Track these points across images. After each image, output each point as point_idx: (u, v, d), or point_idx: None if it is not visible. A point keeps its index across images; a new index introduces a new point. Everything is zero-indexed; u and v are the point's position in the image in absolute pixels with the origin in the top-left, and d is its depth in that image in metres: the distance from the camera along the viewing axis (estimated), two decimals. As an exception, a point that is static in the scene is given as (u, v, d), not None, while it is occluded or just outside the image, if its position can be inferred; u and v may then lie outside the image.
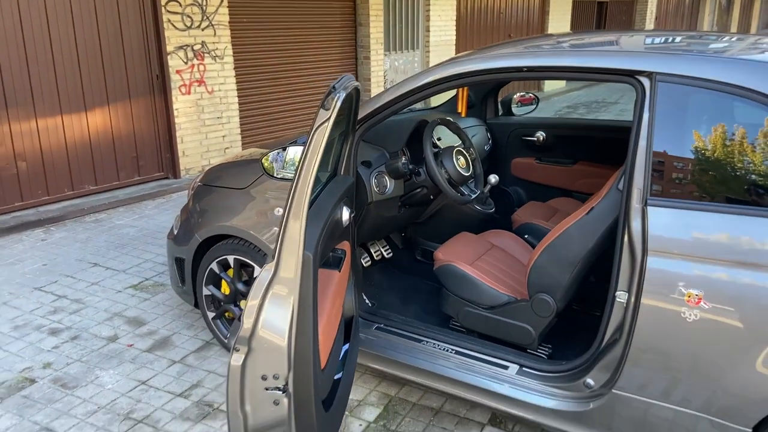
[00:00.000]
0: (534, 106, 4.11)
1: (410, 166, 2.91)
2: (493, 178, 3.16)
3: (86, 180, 5.90)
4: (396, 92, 2.54)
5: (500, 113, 3.98)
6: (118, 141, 6.10)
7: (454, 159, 2.89)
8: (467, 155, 3.01)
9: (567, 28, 14.43)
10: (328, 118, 1.65)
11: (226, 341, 3.27)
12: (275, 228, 2.90)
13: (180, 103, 6.46)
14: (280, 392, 1.68)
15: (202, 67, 6.59)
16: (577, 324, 2.89)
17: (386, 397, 2.96)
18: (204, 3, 6.49)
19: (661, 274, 2.02)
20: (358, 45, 8.86)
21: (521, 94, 4.16)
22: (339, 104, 1.66)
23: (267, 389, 1.68)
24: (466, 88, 3.57)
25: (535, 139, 3.75)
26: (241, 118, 7.23)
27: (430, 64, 10.00)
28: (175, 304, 3.85)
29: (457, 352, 2.64)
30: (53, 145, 5.60)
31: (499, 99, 4.00)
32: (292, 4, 7.69)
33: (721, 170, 1.97)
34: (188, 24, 6.38)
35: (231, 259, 3.10)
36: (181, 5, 6.28)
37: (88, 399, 2.94)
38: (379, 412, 2.86)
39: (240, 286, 3.13)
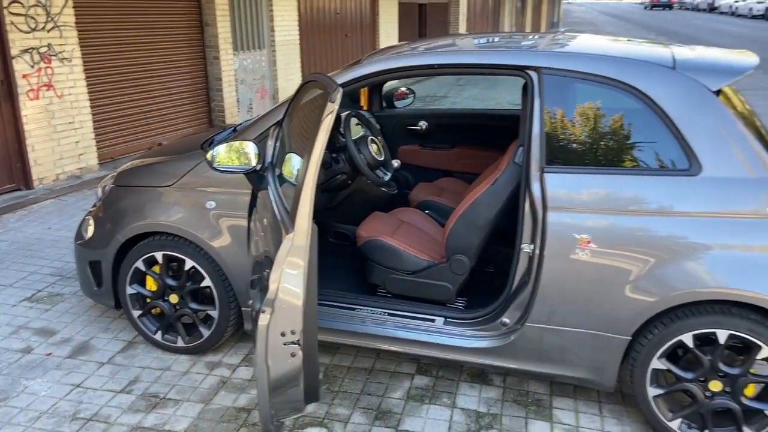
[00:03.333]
0: (410, 100, 4.62)
1: (332, 155, 3.24)
2: (396, 163, 3.60)
3: (-71, 196, 5.36)
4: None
5: (384, 106, 4.43)
6: (-37, 152, 5.60)
7: (369, 146, 3.28)
8: (378, 142, 3.40)
9: (395, 27, 15.39)
10: (333, 111, 1.95)
11: (153, 337, 3.34)
12: (209, 219, 3.07)
13: (29, 110, 6.06)
14: (296, 346, 1.95)
15: (49, 71, 6.24)
16: (478, 279, 3.42)
17: (322, 366, 3.27)
18: (48, 4, 6.14)
19: (559, 225, 2.58)
20: (206, 45, 8.82)
21: (396, 89, 4.63)
22: (340, 98, 1.97)
23: (285, 344, 1.94)
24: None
25: (419, 128, 4.25)
26: (94, 122, 6.93)
27: (278, 63, 10.22)
28: (81, 311, 3.78)
29: (389, 314, 3.04)
30: None
31: (383, 93, 4.44)
32: (136, 5, 7.49)
33: (597, 141, 2.58)
34: (33, 26, 6.01)
35: (159, 255, 3.20)
36: (24, 6, 5.90)
37: (26, 407, 2.89)
38: (319, 378, 3.16)
39: (169, 281, 3.24)
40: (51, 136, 6.34)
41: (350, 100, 4.19)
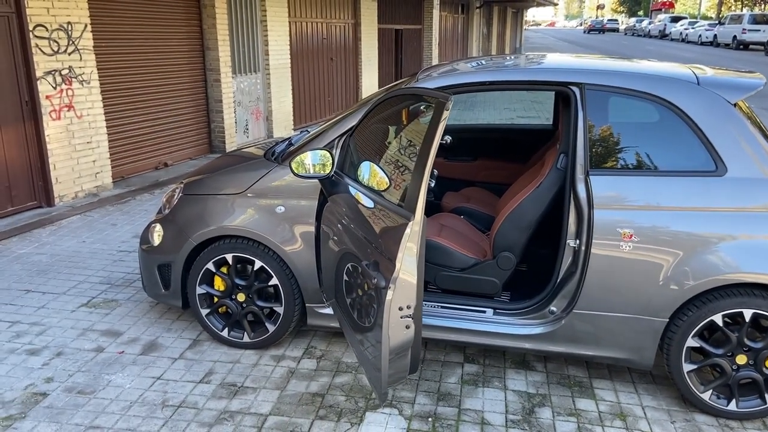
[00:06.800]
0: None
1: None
2: (435, 171, 3.95)
3: (-41, 213, 5.49)
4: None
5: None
6: (-10, 170, 5.75)
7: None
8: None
9: (375, 51, 15.89)
10: (446, 117, 2.30)
11: (220, 333, 3.60)
12: (278, 223, 3.36)
13: (51, 129, 6.25)
14: (411, 319, 2.26)
15: (70, 92, 6.45)
16: (513, 276, 3.76)
17: (377, 357, 3.57)
18: (69, 28, 6.38)
19: (604, 222, 2.97)
20: (207, 68, 9.10)
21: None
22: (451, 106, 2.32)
23: (402, 317, 2.25)
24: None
25: (444, 141, 4.61)
26: (109, 142, 7.13)
27: (272, 86, 10.54)
28: (140, 314, 4.00)
29: (442, 307, 3.36)
30: (-77, 176, 5.15)
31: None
32: (146, 29, 7.76)
33: (634, 147, 2.99)
34: (55, 49, 6.23)
35: (229, 257, 3.47)
36: (48, 30, 6.12)
37: (115, 398, 3.11)
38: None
39: (237, 280, 3.51)
40: (71, 155, 6.52)
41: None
